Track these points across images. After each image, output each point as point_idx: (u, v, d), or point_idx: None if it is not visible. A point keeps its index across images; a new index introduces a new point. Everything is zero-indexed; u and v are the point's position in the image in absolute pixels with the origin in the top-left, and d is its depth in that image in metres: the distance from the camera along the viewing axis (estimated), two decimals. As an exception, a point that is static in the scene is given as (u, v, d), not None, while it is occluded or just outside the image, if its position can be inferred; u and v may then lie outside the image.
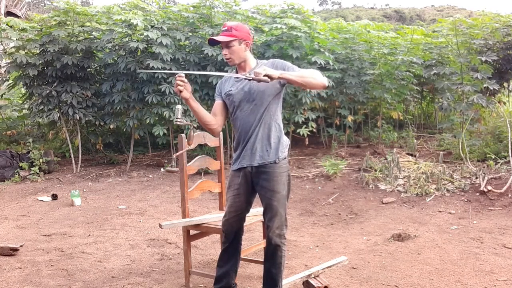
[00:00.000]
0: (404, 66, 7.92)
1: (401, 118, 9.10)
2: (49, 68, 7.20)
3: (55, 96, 7.10)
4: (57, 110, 7.20)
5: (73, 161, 7.54)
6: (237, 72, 2.92)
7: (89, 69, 7.60)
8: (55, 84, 7.17)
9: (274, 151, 2.85)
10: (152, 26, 6.86)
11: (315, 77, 2.71)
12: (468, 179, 5.78)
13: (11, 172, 7.08)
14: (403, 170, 6.24)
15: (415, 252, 3.94)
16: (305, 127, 7.44)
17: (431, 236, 4.32)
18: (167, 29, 6.92)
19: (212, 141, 3.52)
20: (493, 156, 6.41)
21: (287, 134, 6.95)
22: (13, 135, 8.80)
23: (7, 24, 7.19)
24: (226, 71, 6.30)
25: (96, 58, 7.61)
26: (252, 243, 3.97)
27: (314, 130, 7.78)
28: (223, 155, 4.08)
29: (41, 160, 7.21)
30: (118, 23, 6.91)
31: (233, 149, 3.01)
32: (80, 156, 7.62)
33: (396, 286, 3.33)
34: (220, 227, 3.05)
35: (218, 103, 2.95)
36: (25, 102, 8.36)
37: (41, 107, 7.12)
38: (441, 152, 6.96)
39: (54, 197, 6.03)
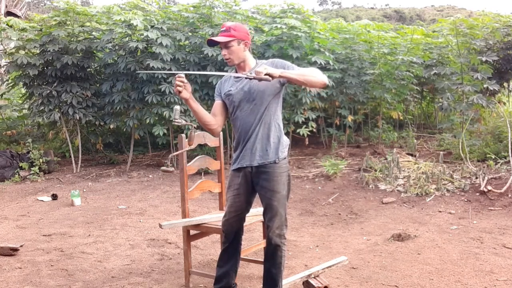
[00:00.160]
0: (404, 66, 7.92)
1: (401, 118, 9.10)
2: (49, 68, 7.20)
3: (55, 96, 7.10)
4: (57, 110, 7.20)
5: (73, 161, 7.54)
6: (236, 72, 2.92)
7: (89, 69, 7.60)
8: (55, 84, 7.17)
9: (274, 151, 2.85)
10: (152, 26, 6.86)
11: (315, 75, 2.72)
12: (468, 179, 5.78)
13: (11, 172, 7.08)
14: (403, 170, 6.24)
15: (415, 252, 3.94)
16: (305, 127, 7.44)
17: (431, 236, 4.32)
18: (167, 29, 6.92)
19: (212, 141, 3.52)
20: (493, 156, 6.41)
21: (287, 134, 6.95)
22: (13, 135, 8.80)
23: (7, 24, 7.19)
24: (226, 71, 6.30)
25: (96, 58, 7.61)
26: (252, 243, 3.97)
27: (314, 130, 7.78)
28: (223, 155, 4.08)
29: (41, 160, 7.21)
30: (118, 23, 6.91)
31: (233, 149, 3.01)
32: (80, 156, 7.62)
33: (396, 286, 3.33)
34: (220, 227, 3.05)
35: (217, 103, 2.95)
36: (25, 102, 8.36)
37: (41, 107, 7.12)
38: (441, 152, 6.96)
39: (54, 197, 6.03)
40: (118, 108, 7.12)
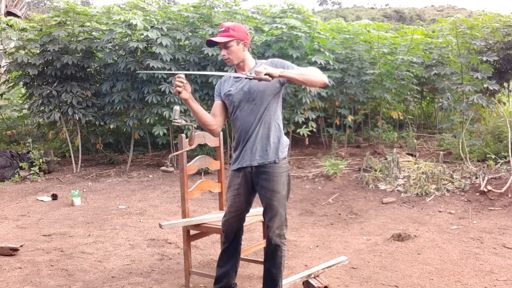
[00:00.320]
0: (404, 66, 7.92)
1: (401, 118, 9.10)
2: (49, 68, 7.20)
3: (55, 96, 7.10)
4: (57, 110, 7.20)
5: (73, 161, 7.54)
6: (236, 72, 2.92)
7: (89, 69, 7.60)
8: (55, 84, 7.17)
9: (274, 151, 2.85)
10: (152, 26, 6.86)
11: (315, 75, 2.72)
12: (468, 179, 5.78)
13: (11, 172, 7.08)
14: (403, 170, 6.24)
15: (415, 252, 3.94)
16: (305, 127, 7.44)
17: (431, 236, 4.32)
18: (167, 29, 6.92)
19: (212, 141, 3.52)
20: (493, 156, 6.41)
21: (287, 134, 6.95)
22: (13, 135, 8.80)
23: (7, 24, 7.19)
24: (226, 71, 6.30)
25: (96, 58, 7.61)
26: (252, 243, 3.97)
27: (314, 130, 7.78)
28: (223, 155, 4.08)
29: (41, 160, 7.21)
30: (118, 23, 6.91)
31: (233, 149, 3.01)
32: (80, 156, 7.62)
33: (396, 286, 3.33)
34: (220, 227, 3.05)
35: (217, 104, 2.95)
36: (25, 102, 8.36)
37: (41, 107, 7.12)
38: (441, 152, 6.96)
39: (54, 197, 6.03)
40: (118, 108, 7.12)
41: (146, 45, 6.89)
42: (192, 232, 3.40)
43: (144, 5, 7.31)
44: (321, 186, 6.18)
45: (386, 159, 6.79)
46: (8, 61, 7.55)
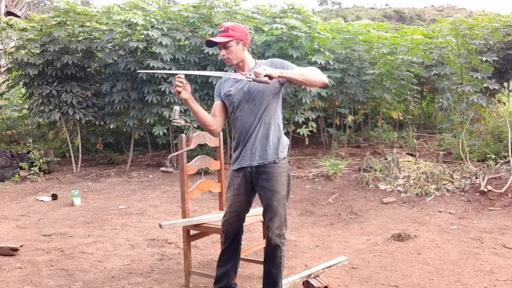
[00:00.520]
0: (404, 66, 7.92)
1: (401, 118, 9.10)
2: (49, 68, 7.20)
3: (55, 96, 7.10)
4: (57, 110, 7.20)
5: (73, 161, 7.54)
6: (235, 72, 2.92)
7: (89, 69, 7.60)
8: (55, 84, 7.17)
9: (274, 151, 2.85)
10: (152, 26, 6.86)
11: (315, 75, 2.72)
12: (468, 179, 5.78)
13: (11, 172, 7.08)
14: (403, 170, 6.24)
15: (415, 252, 3.94)
16: (305, 127, 7.44)
17: (431, 236, 4.32)
18: (167, 29, 6.92)
19: (212, 141, 3.52)
20: (493, 156, 6.41)
21: (287, 134, 6.96)
22: (13, 135, 8.80)
23: (7, 24, 7.19)
24: (226, 71, 6.30)
25: (96, 58, 7.61)
26: (252, 243, 3.97)
27: (314, 130, 7.78)
28: (223, 155, 4.08)
29: (41, 160, 7.21)
30: (118, 23, 6.91)
31: (233, 149, 3.01)
32: (80, 156, 7.62)
33: (396, 286, 3.33)
34: (220, 227, 3.05)
35: (217, 104, 2.95)
36: (25, 102, 8.36)
37: (41, 107, 7.12)
38: (441, 152, 6.96)
39: (54, 197, 6.03)
40: (118, 108, 7.12)
41: (146, 45, 6.89)
42: (192, 232, 3.40)
43: (144, 5, 7.31)
44: (321, 186, 6.18)
45: (386, 159, 6.79)
46: (8, 60, 7.55)
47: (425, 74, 7.94)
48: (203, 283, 3.42)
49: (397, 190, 5.73)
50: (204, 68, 7.06)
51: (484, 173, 5.77)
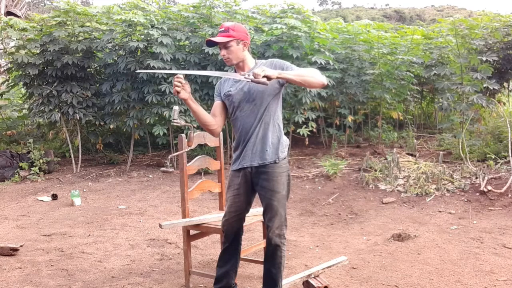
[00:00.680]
0: (404, 66, 7.92)
1: (401, 118, 9.10)
2: (49, 68, 7.20)
3: (55, 96, 7.10)
4: (57, 110, 7.20)
5: (73, 161, 7.54)
6: (235, 72, 2.92)
7: (89, 69, 7.60)
8: (55, 84, 7.17)
9: (274, 151, 2.85)
10: (152, 26, 6.87)
11: (314, 76, 2.72)
12: (468, 179, 5.78)
13: (11, 172, 7.08)
14: (403, 170, 6.24)
15: (415, 252, 3.94)
16: (305, 127, 7.44)
17: (431, 236, 4.32)
18: (167, 29, 6.92)
19: (212, 141, 3.52)
20: (493, 156, 6.41)
21: (287, 134, 6.96)
22: (13, 135, 8.80)
23: (7, 24, 7.19)
24: (226, 71, 6.30)
25: (96, 58, 7.61)
26: (252, 243, 3.97)
27: (314, 130, 7.78)
28: (223, 155, 4.08)
29: (41, 160, 7.21)
30: (118, 22, 6.91)
31: (233, 149, 3.01)
32: (80, 156, 7.62)
33: (396, 286, 3.33)
34: (220, 227, 3.05)
35: (217, 104, 2.95)
36: (25, 102, 8.36)
37: (41, 107, 7.12)
38: (441, 152, 6.96)
39: (54, 197, 6.03)
40: (118, 108, 7.12)
41: (146, 44, 6.89)
42: (192, 232, 3.40)
43: (144, 5, 7.31)
44: (321, 186, 6.18)
45: (386, 159, 6.79)
46: (8, 60, 7.55)
47: (425, 74, 7.94)
48: (203, 283, 3.42)
49: (397, 190, 5.73)
50: (204, 68, 7.06)
51: (484, 173, 5.77)
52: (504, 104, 8.80)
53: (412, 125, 9.34)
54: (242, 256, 3.17)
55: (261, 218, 3.13)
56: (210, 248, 4.18)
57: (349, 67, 7.93)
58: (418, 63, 7.95)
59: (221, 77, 3.03)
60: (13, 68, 7.38)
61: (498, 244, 4.05)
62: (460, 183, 5.64)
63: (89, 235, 4.59)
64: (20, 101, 9.07)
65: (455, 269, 3.57)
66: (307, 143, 7.99)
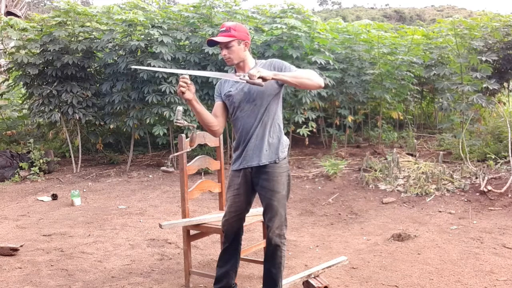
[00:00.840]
0: (404, 66, 7.92)
1: (401, 118, 9.10)
2: (49, 67, 7.20)
3: (55, 96, 7.10)
4: (57, 110, 7.20)
5: (73, 161, 7.54)
6: (235, 72, 2.92)
7: (89, 69, 7.60)
8: (55, 84, 7.17)
9: (274, 151, 2.85)
10: (152, 26, 6.87)
11: (311, 78, 2.71)
12: (468, 179, 5.78)
13: (11, 172, 7.08)
14: (403, 170, 6.24)
15: (415, 252, 3.94)
16: (305, 127, 7.44)
17: (431, 236, 4.32)
18: (167, 29, 6.93)
19: (212, 141, 3.52)
20: (493, 156, 6.41)
21: (287, 134, 6.95)
22: (13, 135, 8.80)
23: (7, 24, 7.19)
24: (226, 71, 6.30)
25: (96, 58, 7.61)
26: (252, 243, 3.97)
27: (314, 130, 7.78)
28: (223, 155, 4.08)
29: (41, 160, 7.21)
30: (118, 22, 6.91)
31: (233, 149, 3.01)
32: (80, 156, 7.62)
33: (396, 286, 3.33)
34: (220, 227, 3.05)
35: (218, 104, 2.95)
36: (25, 102, 8.36)
37: (41, 107, 7.12)
38: (441, 152, 6.96)
39: (54, 197, 6.03)
40: (118, 108, 7.12)
41: (146, 44, 6.89)
42: (192, 232, 3.40)
43: (144, 5, 7.31)
44: (321, 186, 6.18)
45: (386, 159, 6.79)
46: (9, 61, 7.55)
47: (425, 74, 7.94)
48: (203, 283, 3.42)
49: (397, 190, 5.73)
50: (204, 68, 7.06)
51: (484, 173, 5.77)
52: (504, 104, 8.80)
53: (412, 125, 9.34)
54: (242, 256, 3.17)
55: (261, 218, 3.13)
56: (210, 248, 4.18)
57: (349, 67, 7.93)
58: (418, 63, 7.95)
59: (220, 78, 3.03)
60: (13, 68, 7.37)
61: (498, 244, 4.05)
62: (460, 183, 5.64)
63: (89, 235, 4.59)
64: (20, 101, 9.07)
65: (455, 269, 3.57)
66: (307, 143, 7.99)
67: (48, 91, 7.08)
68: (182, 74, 2.68)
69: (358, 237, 4.43)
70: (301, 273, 3.33)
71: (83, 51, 7.17)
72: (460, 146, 6.73)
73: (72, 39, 7.31)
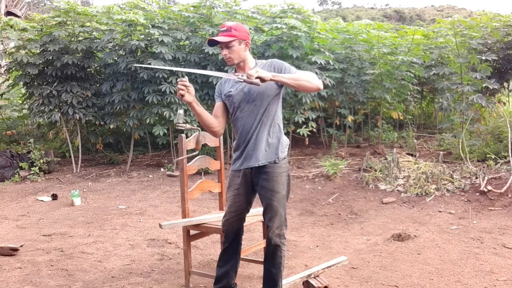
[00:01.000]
0: (404, 66, 7.92)
1: (401, 118, 9.10)
2: (49, 67, 7.20)
3: (55, 96, 7.10)
4: (57, 110, 7.20)
5: (73, 161, 7.54)
6: (235, 72, 2.92)
7: (89, 69, 7.60)
8: (55, 84, 7.17)
9: (274, 151, 2.85)
10: (152, 26, 6.87)
11: (310, 80, 2.71)
12: (468, 179, 5.78)
13: (11, 172, 7.08)
14: (403, 170, 6.24)
15: (415, 252, 3.94)
16: (305, 127, 7.44)
17: (431, 236, 4.32)
18: (167, 29, 6.93)
19: (212, 141, 3.52)
20: (493, 156, 6.41)
21: (287, 134, 6.96)
22: (13, 135, 8.80)
23: (7, 24, 7.19)
24: (226, 71, 6.30)
25: (96, 58, 7.61)
26: (252, 243, 3.97)
27: (314, 130, 7.78)
28: (223, 155, 4.08)
29: (41, 160, 7.21)
30: (118, 22, 6.91)
31: (233, 149, 3.01)
32: (80, 156, 7.62)
33: (396, 286, 3.33)
34: (220, 227, 3.05)
35: (218, 105, 2.95)
36: (25, 102, 8.36)
37: (41, 107, 7.12)
38: (441, 152, 6.96)
39: (54, 197, 6.03)
40: (118, 108, 7.12)
41: (147, 44, 6.89)
42: (192, 232, 3.40)
43: (144, 5, 7.32)
44: (321, 186, 6.18)
45: (386, 159, 6.79)
46: (9, 61, 7.55)
47: (425, 74, 7.94)
48: (203, 283, 3.42)
49: (397, 190, 5.73)
50: (204, 68, 7.06)
51: (484, 173, 5.77)
52: (504, 104, 8.80)
53: (412, 125, 9.34)
54: (242, 256, 3.17)
55: (261, 218, 3.13)
56: (210, 248, 4.18)
57: (349, 67, 7.93)
58: (418, 63, 7.95)
59: (221, 78, 3.03)
60: (13, 68, 7.38)
61: (498, 244, 4.05)
62: (460, 183, 5.64)
63: (89, 235, 4.59)
64: (20, 101, 9.07)
65: (455, 269, 3.57)
66: (307, 143, 7.99)
67: (48, 91, 7.08)
68: (181, 77, 2.68)
69: (358, 237, 4.43)
70: (301, 273, 3.33)
71: (83, 51, 7.17)
72: (460, 146, 6.73)
73: (72, 39, 7.31)
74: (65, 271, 3.71)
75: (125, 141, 8.46)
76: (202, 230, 3.38)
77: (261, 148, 2.83)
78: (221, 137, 3.54)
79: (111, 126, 7.47)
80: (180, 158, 3.24)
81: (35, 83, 7.33)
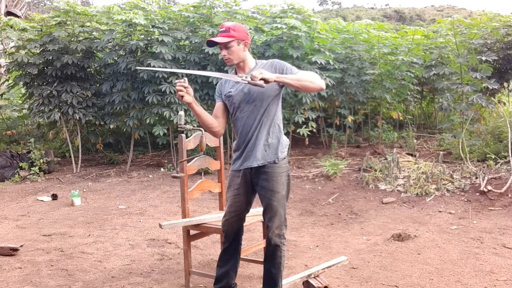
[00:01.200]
0: (404, 66, 7.92)
1: (401, 118, 9.10)
2: (49, 67, 7.20)
3: (55, 96, 7.10)
4: (57, 110, 7.20)
5: (73, 161, 7.54)
6: (236, 72, 2.92)
7: (89, 69, 7.60)
8: (55, 84, 7.17)
9: (274, 151, 2.85)
10: (152, 26, 6.87)
11: (313, 80, 2.71)
12: (468, 179, 5.78)
13: (11, 172, 7.08)
14: (403, 170, 6.24)
15: (415, 252, 3.94)
16: (305, 127, 7.44)
17: (431, 236, 4.32)
18: (167, 29, 6.93)
19: (212, 141, 3.52)
20: (493, 156, 6.41)
21: (287, 134, 6.96)
22: (13, 135, 8.80)
23: (7, 24, 7.19)
24: (226, 71, 6.30)
25: (96, 58, 7.61)
26: (252, 243, 3.97)
27: (314, 130, 7.78)
28: (223, 155, 4.08)
29: (41, 160, 7.21)
30: (118, 23, 6.91)
31: (233, 150, 3.01)
32: (80, 156, 7.62)
33: (396, 286, 3.33)
34: (220, 227, 3.05)
35: (219, 105, 2.95)
36: (25, 102, 8.36)
37: (41, 107, 7.12)
38: (441, 152, 6.96)
39: (54, 197, 6.03)
40: (118, 108, 7.12)
41: (146, 44, 6.89)
42: (192, 232, 3.40)
43: (144, 5, 7.31)
44: (321, 186, 6.18)
45: (386, 159, 6.79)
46: (9, 61, 7.55)
47: (425, 74, 7.94)
48: (203, 283, 3.42)
49: (397, 190, 5.73)
50: (204, 68, 7.06)
51: (484, 173, 5.77)
52: (504, 104, 8.80)
53: (412, 125, 9.34)
54: (242, 256, 3.17)
55: (261, 218, 3.13)
56: (210, 248, 4.18)
57: (349, 67, 7.93)
58: (418, 63, 7.95)
59: (220, 78, 3.03)
60: (13, 68, 7.38)
61: (498, 244, 4.05)
62: (460, 183, 5.64)
63: (89, 235, 4.59)
64: (20, 101, 9.07)
65: (455, 269, 3.57)
66: (307, 143, 8.00)
67: (48, 91, 7.08)
68: (179, 78, 2.68)
69: (358, 237, 4.43)
70: (301, 273, 3.33)
71: (83, 51, 7.17)
72: (460, 146, 6.73)
73: (72, 39, 7.30)
74: (65, 271, 3.71)
75: (125, 141, 8.46)
76: (202, 230, 3.38)
77: (261, 148, 2.83)
78: (221, 137, 3.54)
79: (111, 126, 7.47)
80: (182, 160, 3.24)
81: (35, 83, 7.33)
